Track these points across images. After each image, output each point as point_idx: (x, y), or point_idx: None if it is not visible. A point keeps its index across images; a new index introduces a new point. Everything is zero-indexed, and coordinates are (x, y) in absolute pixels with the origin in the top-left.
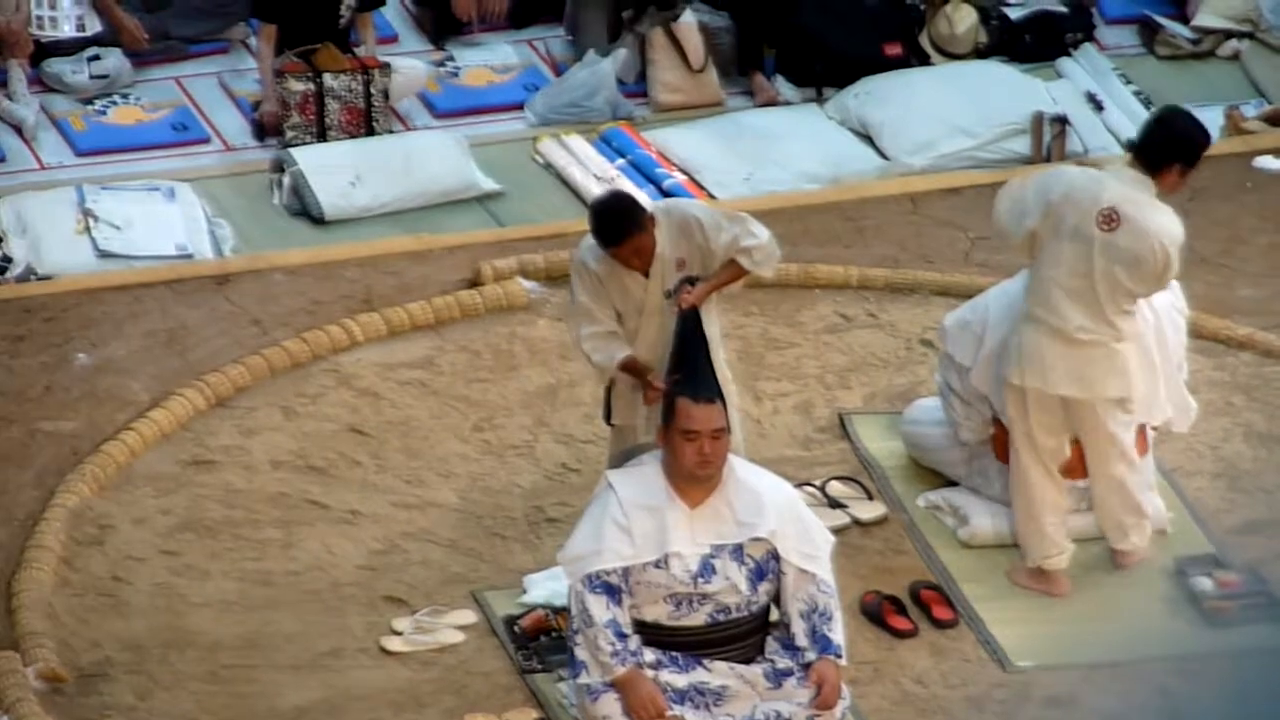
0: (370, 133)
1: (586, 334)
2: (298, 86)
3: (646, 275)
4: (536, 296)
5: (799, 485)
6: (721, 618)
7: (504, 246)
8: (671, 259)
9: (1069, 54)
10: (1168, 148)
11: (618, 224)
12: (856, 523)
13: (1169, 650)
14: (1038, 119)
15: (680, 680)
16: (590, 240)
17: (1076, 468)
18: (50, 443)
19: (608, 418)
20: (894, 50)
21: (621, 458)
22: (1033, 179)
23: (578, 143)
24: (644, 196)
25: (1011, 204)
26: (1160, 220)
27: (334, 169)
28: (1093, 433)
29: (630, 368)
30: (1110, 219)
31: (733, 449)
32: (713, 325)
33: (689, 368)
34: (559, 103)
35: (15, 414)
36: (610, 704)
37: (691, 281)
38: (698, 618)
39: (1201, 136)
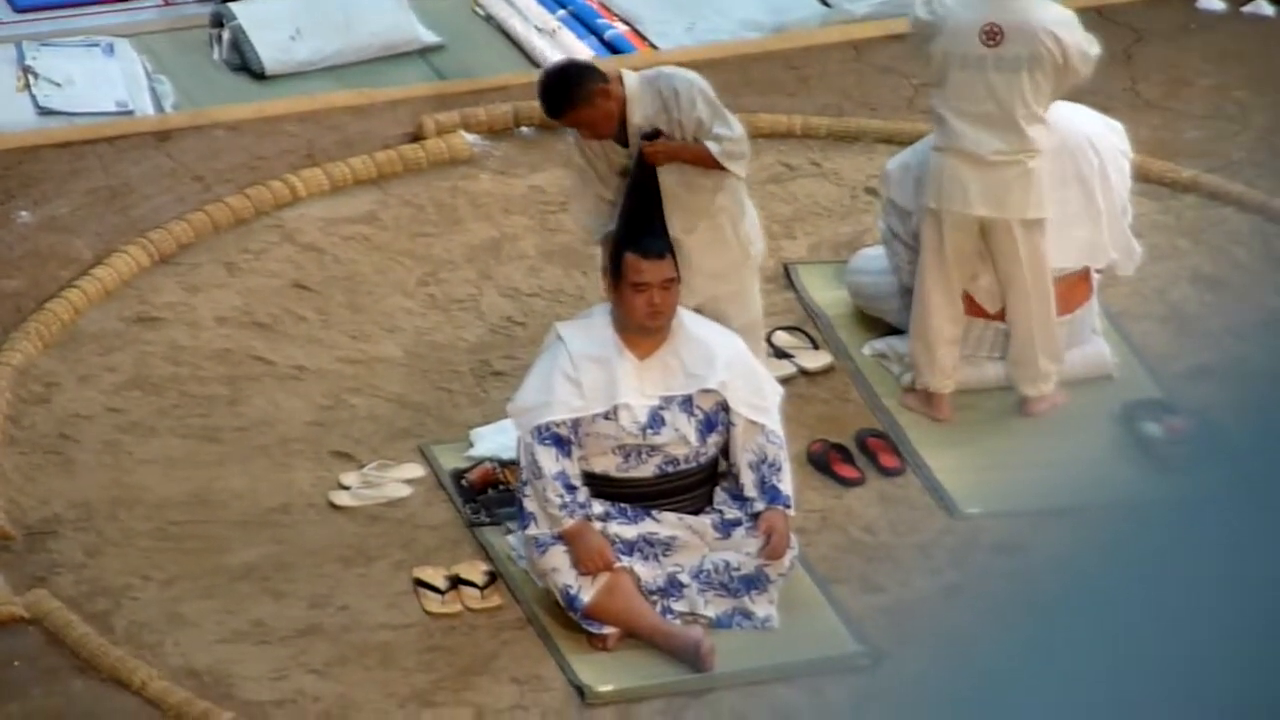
0: None
1: (573, 193)
2: None
3: (625, 144)
4: (479, 150)
5: None
6: (670, 469)
7: (446, 100)
8: (649, 130)
9: None
10: None
11: (554, 97)
12: (803, 372)
13: (1118, 496)
14: None
15: (629, 531)
16: None
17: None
18: None
19: None
20: None
21: None
22: None
23: None
24: (617, 62)
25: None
26: (1039, 13)
27: (274, 23)
28: (1009, 259)
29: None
30: (993, 34)
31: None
32: (754, 306)
33: (638, 222)
34: None
35: None
36: (558, 556)
37: (656, 135)
38: (646, 469)
39: None
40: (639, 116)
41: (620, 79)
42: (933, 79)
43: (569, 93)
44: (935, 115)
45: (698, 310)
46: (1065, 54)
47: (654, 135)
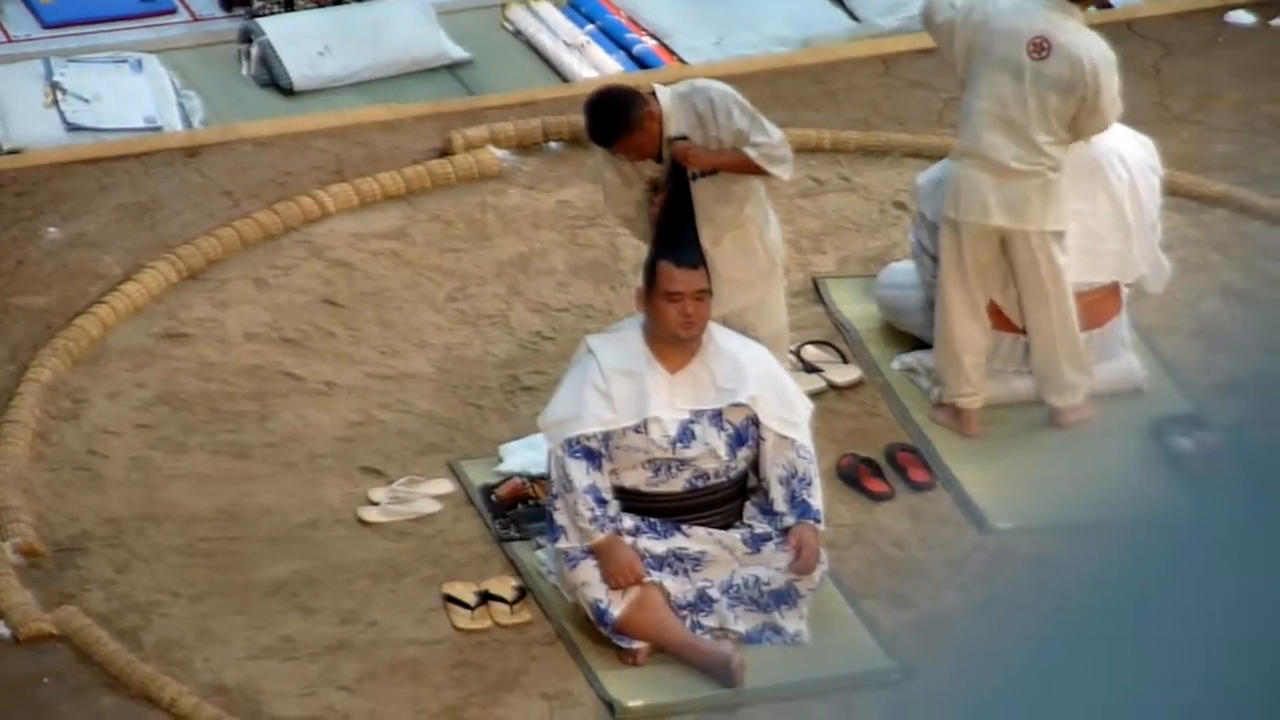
0: (338, 1)
1: (613, 207)
2: None
3: (659, 160)
4: (508, 165)
5: None
6: (700, 484)
7: (474, 115)
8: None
9: None
10: None
11: (606, 127)
12: (831, 386)
13: (1148, 511)
14: None
15: (659, 546)
16: None
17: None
18: (23, 317)
19: None
20: None
21: None
22: None
23: (547, 9)
24: (652, 77)
25: None
26: (1090, 44)
27: (302, 39)
28: (1028, 269)
29: None
30: (1041, 46)
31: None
32: (780, 316)
33: (672, 232)
34: None
35: None
36: (588, 570)
37: (681, 139)
38: (676, 483)
39: None
40: (673, 130)
41: (654, 95)
42: (960, 69)
43: (622, 121)
44: (964, 114)
45: (723, 321)
46: (1098, 94)
47: (680, 139)
